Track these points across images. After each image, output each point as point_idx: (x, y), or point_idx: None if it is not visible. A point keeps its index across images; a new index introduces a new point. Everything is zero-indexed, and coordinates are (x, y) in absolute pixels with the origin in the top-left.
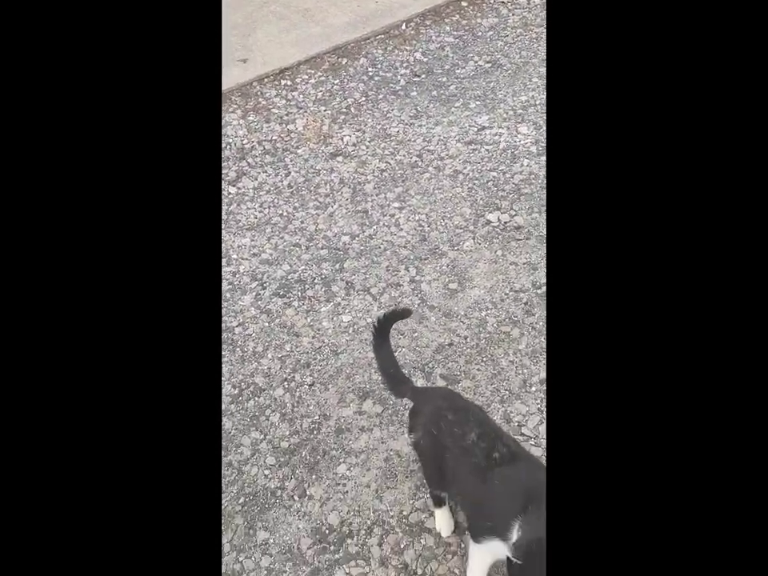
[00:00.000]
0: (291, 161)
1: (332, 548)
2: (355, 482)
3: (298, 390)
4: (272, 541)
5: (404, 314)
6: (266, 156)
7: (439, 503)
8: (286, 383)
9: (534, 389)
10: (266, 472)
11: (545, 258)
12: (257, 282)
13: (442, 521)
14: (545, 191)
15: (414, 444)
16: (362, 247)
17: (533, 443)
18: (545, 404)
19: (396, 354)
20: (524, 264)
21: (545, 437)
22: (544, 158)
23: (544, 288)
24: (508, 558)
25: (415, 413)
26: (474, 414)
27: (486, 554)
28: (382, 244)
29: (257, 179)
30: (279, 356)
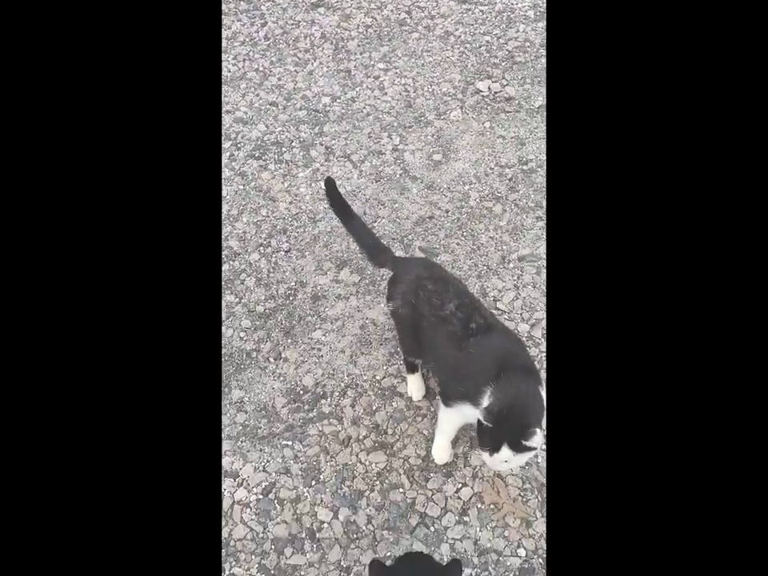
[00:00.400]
0: (268, 9)
1: (306, 407)
2: (330, 348)
3: (274, 255)
4: (247, 399)
5: (330, 183)
6: (241, 2)
7: (412, 369)
8: (261, 248)
9: (511, 265)
10: (242, 334)
11: (533, 133)
12: (230, 142)
13: (414, 385)
14: (540, 61)
15: (392, 312)
16: (343, 110)
17: (506, 317)
18: (521, 281)
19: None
20: (512, 138)
21: (518, 312)
22: (542, 23)
23: (530, 164)
24: (479, 420)
25: (395, 281)
26: (453, 284)
27: (455, 416)
28: (364, 108)
29: (230, 28)
30: (255, 220)
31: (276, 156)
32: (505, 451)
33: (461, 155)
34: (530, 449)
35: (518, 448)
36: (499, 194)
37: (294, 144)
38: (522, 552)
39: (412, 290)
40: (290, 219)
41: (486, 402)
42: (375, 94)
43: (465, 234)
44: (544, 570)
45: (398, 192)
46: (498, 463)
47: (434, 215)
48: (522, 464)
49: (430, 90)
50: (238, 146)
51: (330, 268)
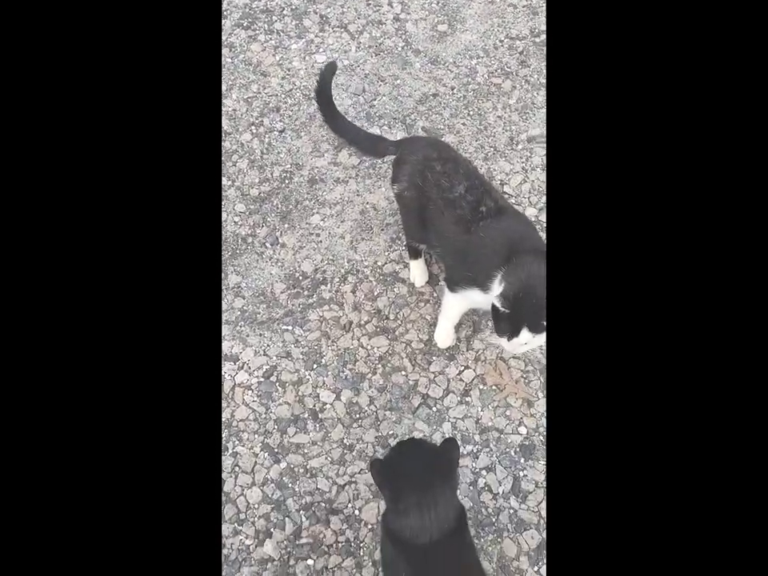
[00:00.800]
0: None
1: (306, 293)
2: (329, 233)
3: (267, 136)
4: (244, 285)
5: (331, 69)
6: None
7: (415, 255)
8: (253, 128)
9: (520, 147)
10: (236, 219)
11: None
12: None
13: (417, 271)
14: None
15: (396, 195)
16: None
17: (514, 202)
18: (529, 163)
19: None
20: (523, 7)
21: (526, 195)
22: None
23: (542, 36)
24: (494, 307)
25: (400, 162)
26: (462, 165)
27: (461, 302)
28: None
29: None
30: (245, 97)
31: (266, 25)
32: (525, 334)
33: (468, 26)
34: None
35: (537, 329)
36: (509, 69)
37: (285, 12)
38: (522, 430)
39: (419, 171)
40: (283, 96)
41: (496, 286)
42: None
43: (471, 113)
44: (544, 447)
45: (400, 67)
46: (517, 347)
47: (439, 92)
48: (540, 344)
49: None
50: (224, 13)
51: (327, 149)
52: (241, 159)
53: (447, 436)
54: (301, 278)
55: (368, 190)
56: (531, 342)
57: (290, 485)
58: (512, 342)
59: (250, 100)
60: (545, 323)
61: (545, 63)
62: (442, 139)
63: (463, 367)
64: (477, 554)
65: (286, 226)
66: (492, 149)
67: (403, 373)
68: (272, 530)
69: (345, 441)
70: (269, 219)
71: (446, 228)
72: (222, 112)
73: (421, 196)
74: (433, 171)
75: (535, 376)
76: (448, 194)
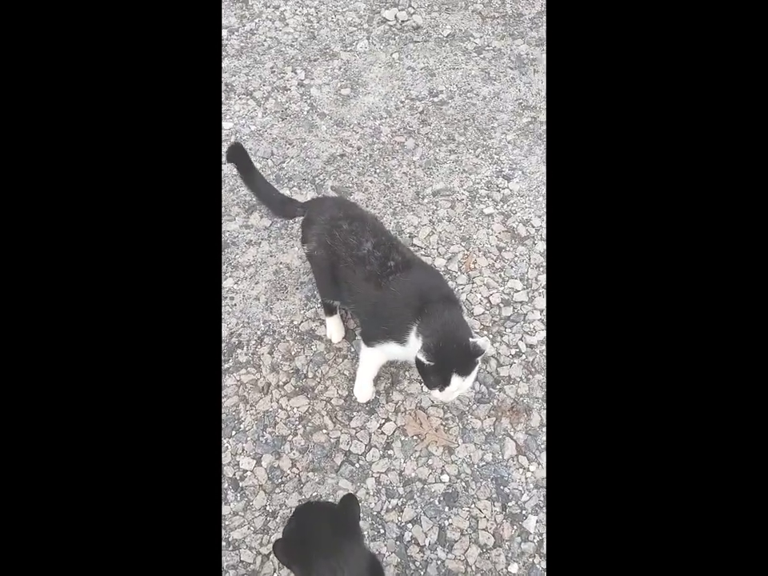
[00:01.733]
0: None
1: (221, 358)
2: (243, 295)
3: None
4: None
5: (235, 150)
6: None
7: (331, 311)
8: None
9: (426, 200)
10: None
11: (442, 63)
12: None
13: (333, 327)
14: None
15: (307, 255)
16: (242, 44)
17: (423, 253)
18: (436, 215)
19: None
20: (421, 69)
21: (434, 246)
22: None
23: (440, 96)
24: (419, 362)
25: (308, 223)
26: (369, 223)
27: (378, 355)
28: (265, 41)
29: None
30: None
31: None
32: (455, 380)
33: (370, 89)
34: (475, 363)
35: (465, 372)
36: (411, 128)
37: None
38: (445, 478)
39: (327, 230)
40: None
41: (412, 338)
42: (276, 25)
43: (378, 170)
44: (467, 493)
45: (306, 130)
46: (449, 395)
47: (345, 153)
48: (470, 385)
49: (335, 19)
50: None
51: (238, 213)
52: None
53: (371, 492)
54: None
55: (281, 250)
56: (462, 386)
57: None
58: (445, 392)
59: None
60: (471, 364)
61: (444, 121)
62: (351, 197)
63: (384, 420)
64: None
65: None
66: (400, 203)
67: (324, 431)
68: None
69: (267, 508)
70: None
71: (358, 285)
72: None
73: (331, 255)
74: (340, 230)
75: (454, 423)
76: (356, 252)
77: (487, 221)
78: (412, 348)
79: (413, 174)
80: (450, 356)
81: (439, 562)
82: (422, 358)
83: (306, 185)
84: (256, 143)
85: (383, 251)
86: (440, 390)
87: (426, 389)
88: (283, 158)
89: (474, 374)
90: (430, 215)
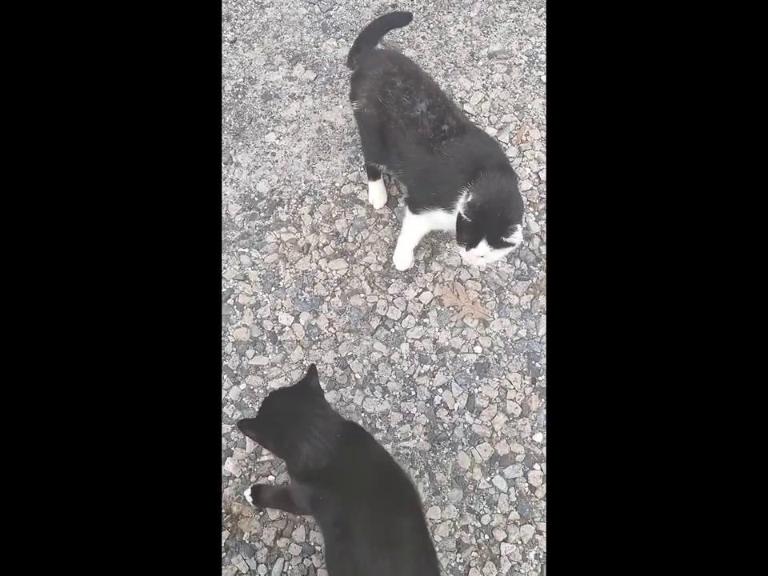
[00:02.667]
0: None
1: (262, 215)
2: (285, 152)
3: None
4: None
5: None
6: None
7: (375, 176)
8: None
9: (480, 63)
10: None
11: None
12: None
13: (376, 193)
14: None
15: (355, 112)
16: None
17: (473, 120)
18: (490, 80)
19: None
20: None
21: (486, 114)
22: None
23: None
24: (459, 214)
25: (359, 76)
26: (424, 81)
27: (423, 223)
28: None
29: None
30: None
31: None
32: (483, 246)
33: None
34: (508, 245)
35: (495, 243)
36: None
37: None
38: (478, 349)
39: (379, 87)
40: (233, 3)
41: (461, 204)
42: None
43: (431, 25)
44: (498, 365)
45: None
46: (473, 258)
47: (398, 3)
48: (496, 259)
49: None
50: None
51: (282, 63)
52: None
53: (405, 356)
54: (256, 198)
55: (325, 106)
56: (488, 256)
57: (249, 405)
58: (469, 252)
59: None
60: (505, 240)
61: None
62: (402, 52)
63: (421, 289)
64: (388, 454)
65: (240, 144)
66: (452, 64)
67: (362, 295)
68: (233, 448)
69: (304, 362)
70: (222, 137)
71: (408, 148)
72: None
73: (381, 114)
74: (393, 87)
75: (491, 297)
76: (409, 113)
77: (544, 89)
78: (461, 205)
79: (468, 33)
80: (488, 221)
81: (466, 426)
82: (462, 212)
83: (353, 36)
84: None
85: (437, 114)
86: (466, 249)
87: (462, 258)
88: (331, 4)
89: (503, 252)
90: (483, 79)
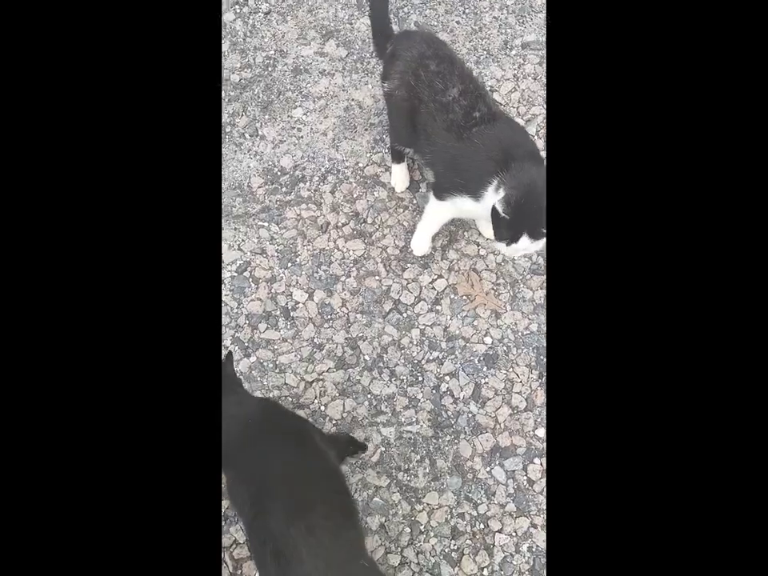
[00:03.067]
0: None
1: (284, 189)
2: (311, 128)
3: (251, 17)
4: (222, 175)
5: None
6: None
7: (399, 159)
8: (237, 7)
9: (513, 52)
10: None
11: None
12: None
13: (399, 176)
14: None
15: (386, 93)
16: None
17: (502, 110)
18: (522, 70)
19: None
20: None
21: (515, 105)
22: None
23: None
24: (495, 211)
25: (393, 57)
26: (458, 66)
27: (447, 209)
28: None
29: None
30: None
31: None
32: (524, 240)
33: None
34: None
35: (536, 236)
36: None
37: None
38: (488, 340)
39: (412, 69)
40: None
41: (490, 193)
42: None
43: (467, 10)
44: (507, 357)
45: None
46: (514, 251)
47: None
48: (538, 249)
49: None
50: None
51: (314, 38)
52: (222, 40)
53: (415, 341)
54: (279, 173)
55: (354, 85)
56: (529, 248)
57: (258, 378)
58: (511, 248)
59: None
60: (544, 230)
61: None
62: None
63: (436, 276)
64: (303, 421)
65: (267, 117)
66: (485, 52)
67: (377, 277)
68: None
69: (315, 340)
70: (249, 109)
71: (437, 133)
72: None
73: (412, 96)
74: (427, 70)
75: (505, 289)
76: (441, 97)
77: None
78: (486, 203)
79: (504, 21)
80: (527, 215)
81: (470, 415)
82: (500, 209)
83: None
84: None
85: (469, 100)
86: (507, 245)
87: (490, 245)
88: None
89: (542, 243)
90: (515, 69)
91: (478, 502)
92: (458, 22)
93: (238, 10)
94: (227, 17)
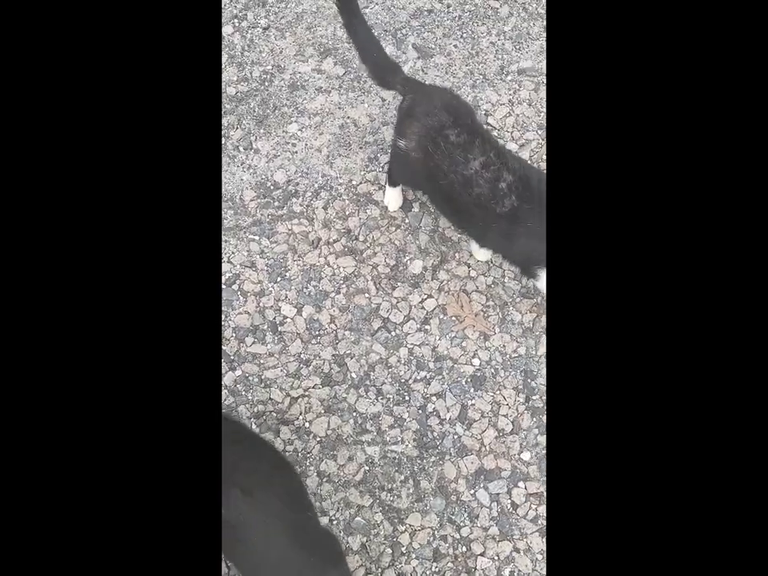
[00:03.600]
0: None
1: (276, 204)
2: (306, 144)
3: (249, 31)
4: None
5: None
6: None
7: (395, 184)
8: (236, 21)
9: (509, 77)
10: None
11: None
12: None
13: (392, 196)
14: None
15: (403, 149)
16: None
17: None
18: (517, 96)
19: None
20: None
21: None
22: None
23: None
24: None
25: (409, 116)
26: (478, 134)
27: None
28: None
29: None
30: None
31: None
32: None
33: None
34: None
35: None
36: None
37: None
38: (476, 361)
39: (431, 137)
40: None
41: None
42: None
43: (464, 35)
44: (494, 379)
45: None
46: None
47: (434, 9)
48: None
49: None
50: None
51: (312, 55)
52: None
53: (403, 360)
54: (272, 187)
55: (350, 103)
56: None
57: (243, 392)
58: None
59: None
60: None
61: None
62: (432, 60)
63: (426, 296)
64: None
65: (262, 131)
66: (481, 76)
67: (366, 295)
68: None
69: (302, 356)
70: (244, 122)
71: (467, 209)
72: None
73: (428, 160)
74: (447, 141)
75: (494, 311)
76: (462, 170)
77: None
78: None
79: (500, 46)
80: None
81: (456, 437)
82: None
83: (386, 37)
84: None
85: (493, 173)
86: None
87: (481, 266)
88: (367, 2)
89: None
90: (510, 94)
91: (461, 524)
92: (455, 46)
93: (237, 24)
94: (225, 30)
